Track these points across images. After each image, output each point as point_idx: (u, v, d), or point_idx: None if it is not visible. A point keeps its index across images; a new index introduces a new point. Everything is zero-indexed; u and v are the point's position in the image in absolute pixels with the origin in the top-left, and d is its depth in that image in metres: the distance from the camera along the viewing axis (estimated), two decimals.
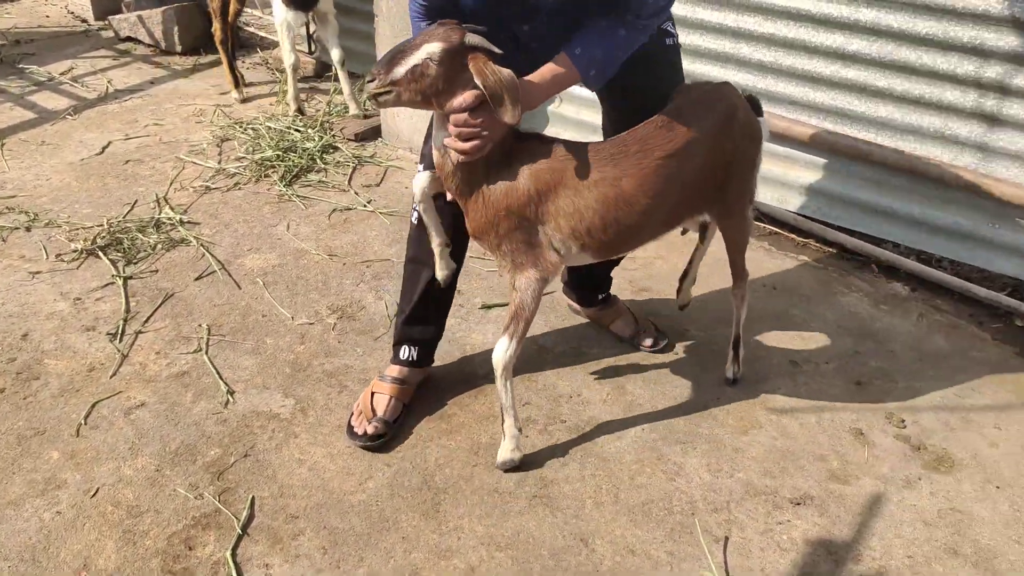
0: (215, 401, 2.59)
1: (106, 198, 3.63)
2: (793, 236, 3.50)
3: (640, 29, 2.10)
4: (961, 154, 2.92)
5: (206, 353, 2.77)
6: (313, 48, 4.95)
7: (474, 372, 2.73)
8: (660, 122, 2.17)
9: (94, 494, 2.26)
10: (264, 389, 2.64)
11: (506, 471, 2.36)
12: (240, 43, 5.29)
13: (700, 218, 2.44)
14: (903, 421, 2.55)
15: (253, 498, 2.26)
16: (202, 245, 3.31)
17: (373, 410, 2.49)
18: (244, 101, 4.56)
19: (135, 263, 3.21)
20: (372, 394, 2.54)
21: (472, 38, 1.99)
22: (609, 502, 2.26)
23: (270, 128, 4.19)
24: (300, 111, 4.34)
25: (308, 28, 4.89)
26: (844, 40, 2.99)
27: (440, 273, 2.42)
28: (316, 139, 4.07)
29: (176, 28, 5.13)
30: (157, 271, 3.18)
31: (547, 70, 2.11)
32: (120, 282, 3.08)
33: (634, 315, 2.89)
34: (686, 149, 2.16)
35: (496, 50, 2.00)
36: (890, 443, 2.46)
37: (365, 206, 3.61)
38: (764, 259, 3.34)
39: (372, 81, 2.02)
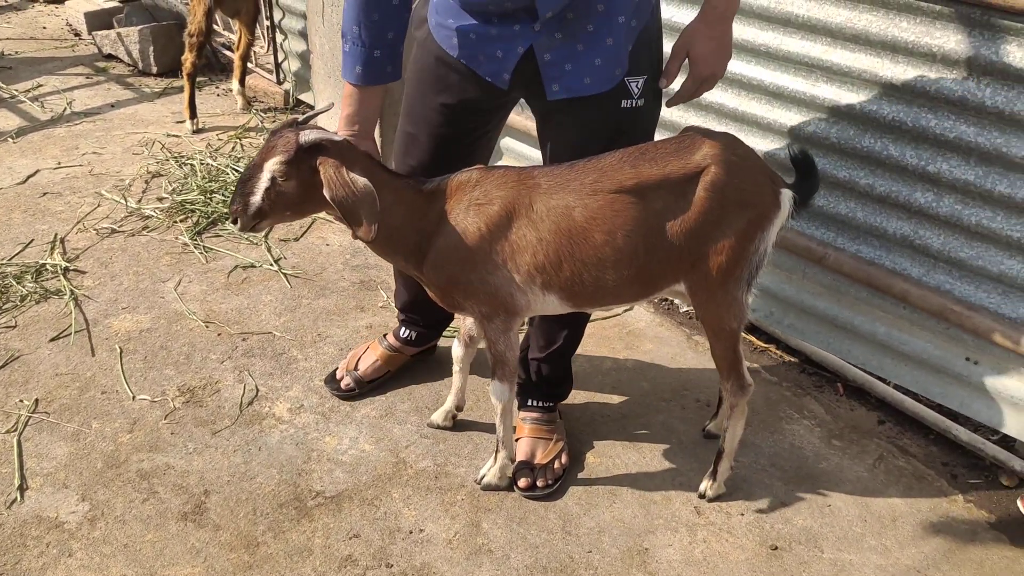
0: (1, 498, 2.22)
1: (2, 235, 3.34)
2: (753, 338, 2.96)
3: None
4: (933, 270, 2.34)
5: (19, 436, 2.42)
6: (282, 78, 4.62)
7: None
8: (623, 156, 1.94)
9: None
10: (63, 488, 2.26)
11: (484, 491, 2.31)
12: (220, 67, 5.02)
13: (676, 287, 2.03)
14: None
15: None
16: (75, 300, 2.98)
17: (357, 365, 2.61)
18: (196, 132, 4.25)
19: None
20: (365, 349, 2.66)
21: (306, 136, 1.82)
22: None
23: (206, 165, 3.86)
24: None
25: (276, 56, 4.57)
26: (801, 118, 2.46)
27: (437, 418, 2.50)
28: None
29: (152, 48, 4.88)
30: (15, 326, 2.85)
31: None
32: None
33: (562, 450, 2.39)
34: (646, 190, 1.87)
35: (337, 138, 1.89)
36: None
37: (271, 265, 3.23)
38: (707, 365, 2.81)
39: (235, 221, 1.92)
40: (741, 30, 2.53)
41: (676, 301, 3.12)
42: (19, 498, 2.23)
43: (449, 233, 1.93)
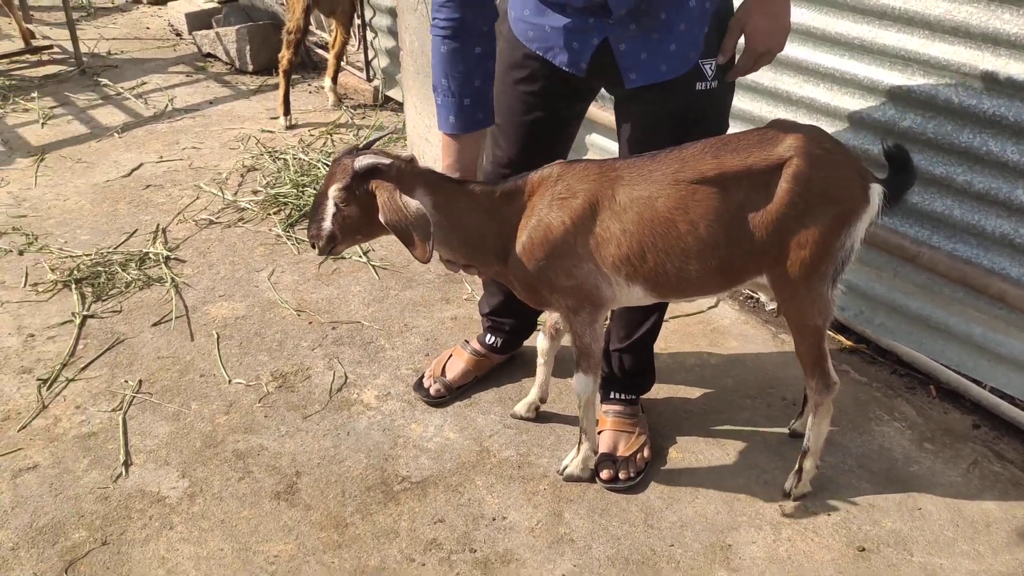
0: (108, 472, 2.35)
1: (109, 225, 3.52)
2: (841, 337, 2.91)
3: None
4: None
5: (124, 414, 2.55)
6: (372, 75, 4.73)
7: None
8: (705, 146, 1.94)
9: None
10: (164, 464, 2.38)
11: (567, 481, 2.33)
12: (312, 66, 5.15)
13: (759, 279, 2.03)
14: None
15: None
16: (175, 287, 3.12)
17: (444, 371, 2.64)
18: (289, 128, 4.39)
19: (103, 300, 3.05)
20: (450, 356, 2.68)
21: (360, 161, 1.89)
22: None
23: (299, 159, 3.98)
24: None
25: (366, 53, 4.67)
26: (897, 113, 2.41)
27: (520, 408, 2.54)
28: None
29: (248, 47, 5.05)
30: (120, 311, 3.00)
31: None
32: (77, 321, 2.92)
33: (644, 443, 2.40)
34: (728, 181, 1.87)
35: (386, 160, 1.92)
36: None
37: (360, 257, 3.32)
38: (793, 363, 2.77)
39: (314, 246, 2.02)
40: (834, 23, 2.49)
41: (762, 299, 3.08)
42: (124, 473, 2.35)
43: (533, 229, 1.96)
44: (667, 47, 1.98)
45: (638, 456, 2.35)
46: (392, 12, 4.27)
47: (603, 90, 2.25)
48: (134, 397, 2.62)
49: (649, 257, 1.93)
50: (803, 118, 2.63)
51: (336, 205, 1.93)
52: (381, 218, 1.86)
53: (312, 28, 5.05)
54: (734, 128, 2.26)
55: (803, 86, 2.63)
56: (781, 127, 1.93)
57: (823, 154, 1.88)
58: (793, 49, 2.59)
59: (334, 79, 4.63)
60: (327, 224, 1.95)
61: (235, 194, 3.75)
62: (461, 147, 2.06)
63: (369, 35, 4.60)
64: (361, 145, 1.99)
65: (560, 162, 2.01)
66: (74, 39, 5.07)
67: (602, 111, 3.19)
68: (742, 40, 2.01)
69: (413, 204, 1.86)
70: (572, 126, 2.32)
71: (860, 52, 2.47)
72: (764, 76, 2.69)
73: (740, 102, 2.81)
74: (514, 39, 2.13)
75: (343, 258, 3.31)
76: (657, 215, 1.90)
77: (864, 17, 2.43)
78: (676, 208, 1.89)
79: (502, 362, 2.73)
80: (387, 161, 1.90)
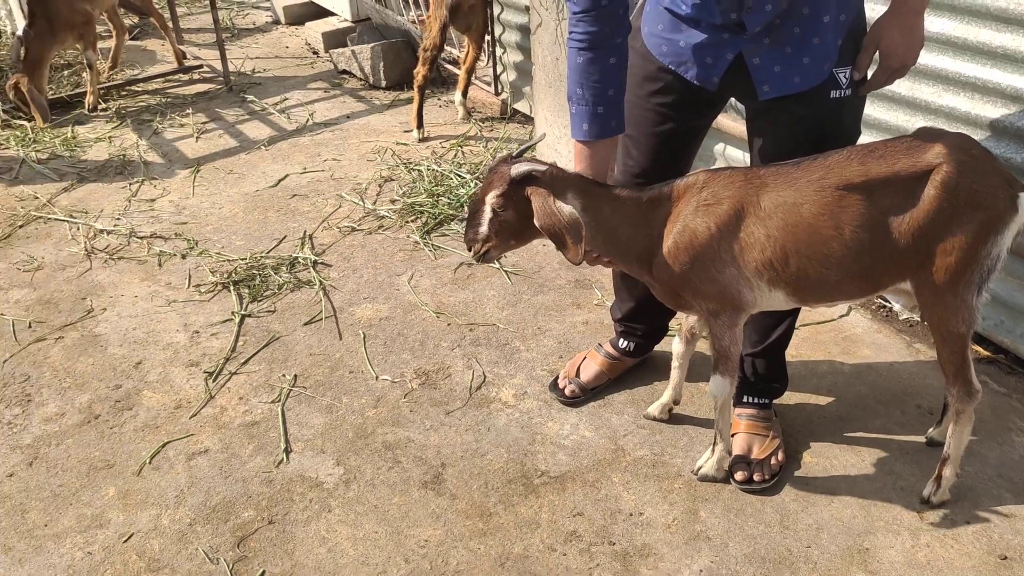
0: (270, 458, 2.55)
1: (260, 231, 3.78)
2: (979, 348, 2.87)
3: None
4: None
5: (282, 406, 2.75)
6: (500, 89, 4.89)
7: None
8: (851, 153, 1.98)
9: (127, 539, 2.30)
10: (320, 453, 2.56)
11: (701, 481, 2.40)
12: (441, 81, 5.36)
13: (902, 285, 2.07)
14: None
15: (263, 573, 2.19)
16: (323, 290, 3.33)
17: (578, 373, 2.75)
18: (422, 140, 4.59)
19: (259, 300, 3.29)
20: (584, 358, 2.78)
21: (517, 169, 2.01)
22: None
23: (432, 170, 4.17)
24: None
25: (495, 68, 4.85)
26: None
27: (654, 410, 2.62)
28: (472, 186, 3.99)
29: (382, 64, 5.30)
30: (274, 311, 3.23)
31: None
32: (236, 320, 3.17)
33: (778, 447, 2.45)
34: (873, 187, 1.92)
35: (541, 167, 2.03)
36: None
37: (494, 263, 3.46)
38: (928, 372, 2.76)
39: (471, 250, 2.15)
40: (976, 32, 2.48)
41: (895, 308, 3.07)
42: (285, 459, 2.55)
43: (679, 234, 2.04)
44: (800, 60, 2.04)
45: (772, 459, 2.40)
46: (522, 29, 4.43)
47: (732, 99, 2.32)
48: (291, 390, 2.82)
49: (792, 262, 1.99)
50: (943, 127, 2.62)
51: (493, 211, 2.06)
52: (536, 222, 1.98)
53: None
54: (869, 137, 2.30)
55: (943, 95, 2.62)
56: (928, 134, 1.96)
57: (971, 161, 1.90)
58: (933, 59, 2.59)
59: (464, 93, 4.82)
60: (484, 229, 2.09)
61: (374, 203, 3.96)
62: (593, 153, 2.16)
63: (498, 51, 4.77)
64: (514, 154, 2.12)
65: (705, 170, 2.09)
66: (223, 59, 5.43)
67: (730, 121, 3.24)
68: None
69: (567, 208, 1.97)
70: (701, 135, 2.41)
71: (1003, 61, 2.45)
72: (901, 86, 2.70)
73: (877, 112, 2.82)
74: (647, 53, 2.22)
75: (478, 264, 3.47)
76: (802, 220, 1.96)
77: (1008, 26, 2.42)
78: (821, 214, 1.95)
79: (634, 365, 2.81)
80: (542, 168, 2.02)
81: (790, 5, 1.96)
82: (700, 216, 2.02)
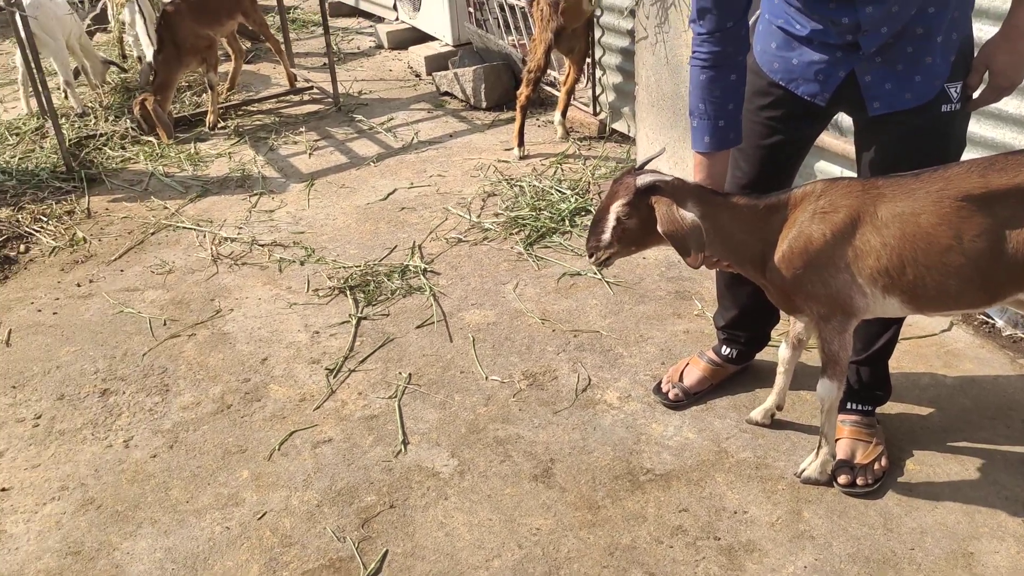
0: (389, 449, 2.72)
1: (372, 241, 4.00)
2: None
3: None
4: None
5: (399, 401, 2.93)
6: (598, 109, 5.04)
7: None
8: (971, 165, 2.04)
9: (261, 517, 2.49)
10: (435, 445, 2.72)
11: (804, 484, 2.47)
12: (539, 102, 5.54)
13: (1021, 296, 2.12)
14: None
15: (386, 552, 2.34)
16: (433, 296, 3.52)
17: (681, 378, 2.85)
18: (523, 158, 4.77)
19: (373, 304, 3.49)
20: (687, 364, 2.89)
21: (642, 179, 2.15)
22: None
23: (533, 186, 4.33)
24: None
25: (594, 89, 5.00)
26: None
27: (757, 415, 2.70)
28: (572, 201, 4.13)
29: (483, 86, 5.51)
30: (388, 315, 3.43)
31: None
32: (353, 322, 3.37)
33: (881, 453, 2.50)
34: (994, 199, 1.98)
35: (668, 178, 2.15)
36: None
37: (595, 274, 3.59)
38: None
39: (592, 256, 2.28)
40: None
41: (999, 324, 3.08)
42: (403, 450, 2.72)
43: (794, 239, 2.14)
44: (912, 78, 2.11)
45: (876, 465, 2.45)
46: (622, 51, 4.58)
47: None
48: (406, 387, 3.00)
49: (909, 270, 2.05)
50: None
51: (618, 219, 2.18)
52: (660, 228, 2.10)
53: None
54: (974, 154, 2.35)
55: None
56: None
57: None
58: None
59: (564, 113, 4.98)
60: (607, 236, 2.21)
61: (479, 216, 4.15)
62: (712, 164, 2.28)
63: (598, 72, 4.93)
64: (637, 166, 2.25)
65: (823, 180, 2.18)
66: (334, 81, 5.74)
67: (831, 139, 3.31)
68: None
69: (689, 216, 2.09)
70: (806, 148, 2.49)
71: None
72: (1009, 104, 2.74)
73: (982, 129, 2.87)
74: (758, 69, 2.33)
75: (579, 274, 3.60)
76: (920, 230, 2.02)
77: None
78: (939, 224, 2.01)
79: (735, 373, 2.90)
80: (666, 178, 2.15)
81: (904, 26, 2.05)
82: (816, 223, 2.11)
